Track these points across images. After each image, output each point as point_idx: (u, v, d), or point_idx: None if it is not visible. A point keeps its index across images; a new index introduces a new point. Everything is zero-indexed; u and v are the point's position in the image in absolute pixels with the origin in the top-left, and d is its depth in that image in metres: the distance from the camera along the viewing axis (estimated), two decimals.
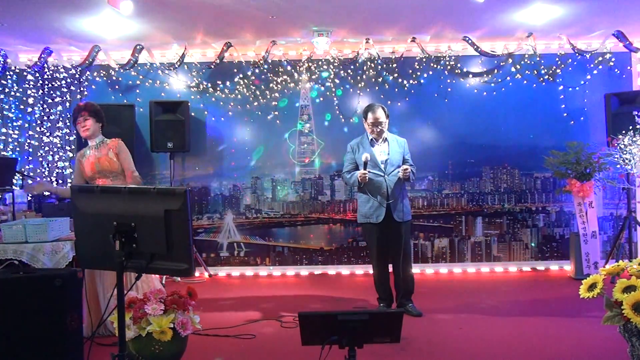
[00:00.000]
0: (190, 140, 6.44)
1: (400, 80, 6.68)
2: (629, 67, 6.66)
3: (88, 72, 6.68)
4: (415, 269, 4.83)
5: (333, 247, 6.79)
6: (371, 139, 4.68)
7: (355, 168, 4.67)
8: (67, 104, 6.65)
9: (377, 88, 6.70)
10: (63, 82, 6.63)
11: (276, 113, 6.75)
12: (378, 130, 4.60)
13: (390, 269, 4.74)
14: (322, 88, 6.75)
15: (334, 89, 6.73)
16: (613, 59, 6.59)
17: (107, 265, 2.40)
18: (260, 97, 6.73)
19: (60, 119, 6.64)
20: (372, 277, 4.87)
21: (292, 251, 6.82)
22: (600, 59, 6.59)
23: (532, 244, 6.72)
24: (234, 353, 3.83)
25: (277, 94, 6.73)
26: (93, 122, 4.34)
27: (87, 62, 6.37)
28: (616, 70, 6.63)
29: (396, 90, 6.69)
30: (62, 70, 6.61)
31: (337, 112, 6.74)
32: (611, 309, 2.75)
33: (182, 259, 2.28)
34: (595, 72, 6.62)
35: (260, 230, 6.83)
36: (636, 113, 5.64)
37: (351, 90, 6.74)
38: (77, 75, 6.66)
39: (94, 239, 2.40)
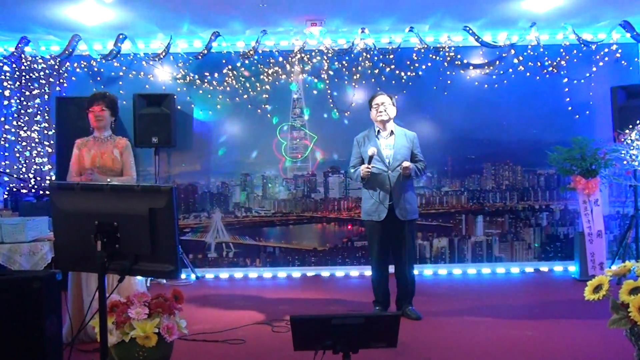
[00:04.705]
0: (176, 135, 6.42)
1: (397, 72, 6.68)
2: (636, 59, 6.69)
3: (68, 63, 6.64)
4: (414, 271, 4.83)
5: (327, 247, 6.79)
6: (378, 131, 4.69)
7: (361, 162, 4.68)
8: (46, 97, 6.61)
9: (373, 80, 6.70)
10: (41, 73, 6.59)
11: (267, 106, 6.74)
12: (382, 111, 4.60)
13: (392, 269, 4.75)
14: (316, 80, 6.74)
15: (327, 81, 6.72)
16: (620, 51, 6.61)
17: (88, 267, 2.39)
18: (250, 90, 6.71)
19: (39, 112, 6.60)
20: (367, 279, 4.87)
21: (284, 252, 6.81)
22: (606, 50, 6.61)
23: (536, 244, 6.75)
24: (223, 359, 3.83)
25: (267, 87, 6.71)
26: (108, 114, 4.34)
27: (66, 52, 6.34)
28: (623, 62, 6.66)
29: (393, 82, 6.68)
30: (40, 61, 6.57)
31: (331, 105, 6.73)
32: (617, 312, 2.76)
33: (168, 260, 2.27)
34: (601, 64, 6.64)
35: (250, 229, 6.82)
36: None
37: (346, 82, 6.73)
38: (56, 66, 6.61)
39: (74, 239, 2.38)
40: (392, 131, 4.70)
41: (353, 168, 4.75)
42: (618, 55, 6.62)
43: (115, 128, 6.14)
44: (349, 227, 6.79)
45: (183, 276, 6.42)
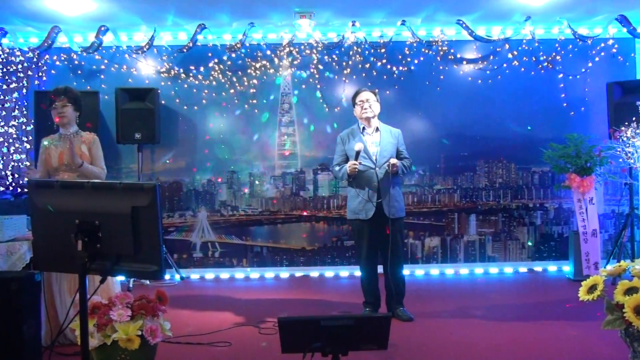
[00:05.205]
0: (160, 130, 6.38)
1: (389, 66, 6.69)
2: (632, 54, 6.75)
3: (47, 56, 6.58)
4: (405, 270, 4.86)
5: (316, 247, 6.80)
6: (362, 128, 4.70)
7: (346, 160, 4.68)
8: (24, 91, 6.55)
9: (364, 75, 6.70)
10: (19, 66, 6.51)
11: (254, 101, 6.73)
12: (367, 108, 4.62)
13: (380, 269, 4.76)
14: (305, 75, 6.73)
15: (317, 76, 6.71)
16: (616, 46, 6.66)
17: (69, 267, 2.37)
18: (237, 84, 6.70)
19: (17, 106, 6.54)
20: (357, 280, 4.88)
21: (272, 251, 6.81)
22: (602, 45, 6.65)
23: (529, 243, 6.80)
24: None
25: (255, 81, 6.70)
26: (72, 109, 4.35)
27: (46, 44, 6.28)
28: (619, 57, 6.71)
29: (385, 77, 6.70)
30: (18, 53, 6.50)
31: (321, 100, 6.73)
32: (612, 312, 2.79)
33: (151, 260, 2.26)
34: (597, 59, 6.69)
35: (237, 228, 6.81)
36: None
37: (336, 77, 6.73)
38: (35, 59, 6.55)
39: (54, 238, 2.37)
40: (377, 128, 4.72)
41: (338, 166, 4.74)
42: (614, 50, 6.67)
43: (98, 125, 6.17)
44: (333, 227, 6.80)
45: (167, 277, 6.39)
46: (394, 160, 4.54)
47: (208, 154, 6.77)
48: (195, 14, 6.11)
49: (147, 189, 2.24)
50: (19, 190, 6.28)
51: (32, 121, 6.42)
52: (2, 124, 6.52)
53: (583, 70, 6.71)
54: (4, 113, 6.54)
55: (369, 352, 2.66)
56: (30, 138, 6.50)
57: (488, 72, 6.75)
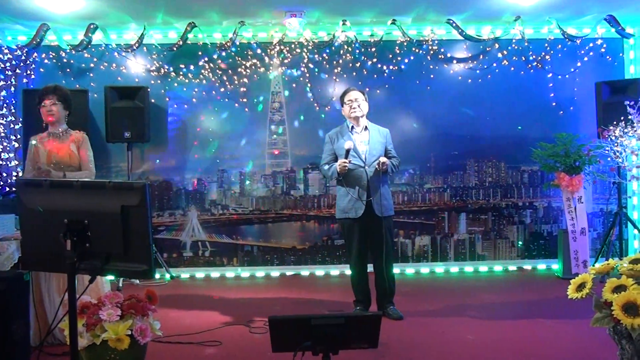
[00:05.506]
0: (150, 129, 6.36)
1: (379, 65, 6.70)
2: (621, 54, 6.80)
3: (36, 54, 6.54)
4: (395, 269, 4.88)
5: (306, 246, 6.80)
6: (351, 127, 4.71)
7: (335, 159, 4.69)
8: (12, 89, 6.50)
9: (354, 74, 6.71)
10: (7, 64, 6.47)
11: (244, 100, 6.71)
12: (356, 107, 4.63)
13: (370, 268, 4.77)
14: (295, 73, 6.73)
15: (308, 75, 6.71)
16: (604, 46, 6.71)
17: (57, 267, 2.36)
18: (227, 83, 6.68)
19: (5, 105, 6.49)
20: (348, 278, 4.89)
21: (262, 250, 6.80)
22: (591, 45, 6.70)
23: (519, 243, 6.83)
24: None
25: (245, 79, 6.69)
26: (61, 107, 4.36)
27: (34, 42, 6.24)
28: (608, 57, 6.76)
29: (375, 76, 6.70)
30: (6, 51, 6.45)
31: (312, 99, 6.73)
32: (600, 310, 2.80)
33: (141, 260, 2.25)
34: (585, 59, 6.73)
35: (227, 227, 6.79)
36: (628, 103, 5.75)
37: (327, 76, 6.73)
38: (23, 57, 6.50)
39: (43, 238, 2.35)
40: (365, 126, 4.74)
41: (327, 165, 4.74)
42: (603, 50, 6.72)
43: (87, 124, 6.13)
44: (324, 226, 6.80)
45: (157, 276, 6.38)
46: (383, 159, 4.56)
47: (198, 152, 6.75)
48: (185, 12, 6.09)
49: (137, 188, 2.22)
50: (7, 189, 6.23)
51: (21, 120, 6.38)
52: None
53: (572, 69, 6.75)
54: None
55: (360, 351, 2.66)
56: (19, 137, 6.46)
57: (478, 71, 6.78)
